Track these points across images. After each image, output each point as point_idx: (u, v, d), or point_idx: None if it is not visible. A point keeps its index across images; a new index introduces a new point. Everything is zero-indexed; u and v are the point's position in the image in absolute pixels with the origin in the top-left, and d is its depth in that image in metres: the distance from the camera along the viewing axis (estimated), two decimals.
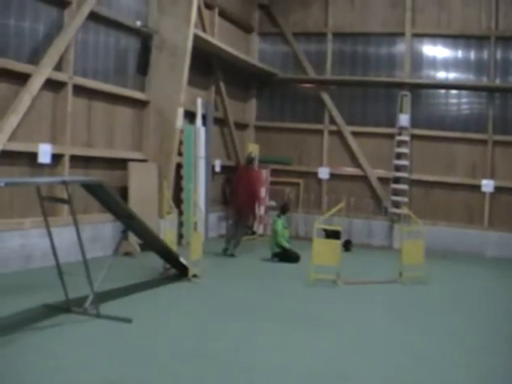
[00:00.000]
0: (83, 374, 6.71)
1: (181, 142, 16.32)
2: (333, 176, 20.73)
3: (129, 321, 8.77)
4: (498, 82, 19.74)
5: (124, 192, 14.40)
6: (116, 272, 10.82)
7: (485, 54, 19.78)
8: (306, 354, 8.14)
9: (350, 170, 20.61)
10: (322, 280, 12.77)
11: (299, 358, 7.90)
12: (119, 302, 10.05)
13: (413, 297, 12.40)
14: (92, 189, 9.68)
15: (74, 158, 13.18)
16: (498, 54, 19.65)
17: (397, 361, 8.05)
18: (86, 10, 13.06)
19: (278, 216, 15.93)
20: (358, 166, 20.62)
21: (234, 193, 16.45)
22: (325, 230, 15.09)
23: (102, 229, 13.79)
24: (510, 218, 19.22)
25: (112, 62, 14.77)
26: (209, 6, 18.50)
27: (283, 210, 16.21)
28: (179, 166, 16.51)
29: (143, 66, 15.71)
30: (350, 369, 7.62)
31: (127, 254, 14.06)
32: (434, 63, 20.43)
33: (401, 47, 20.52)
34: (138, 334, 8.39)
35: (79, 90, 13.41)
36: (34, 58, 12.22)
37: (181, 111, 15.73)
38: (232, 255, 15.71)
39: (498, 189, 19.42)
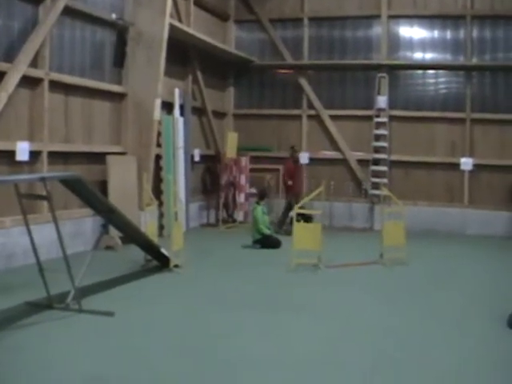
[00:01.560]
0: (67, 370, 6.75)
1: (159, 134, 16.36)
2: (312, 160, 20.80)
3: (111, 314, 8.82)
4: (474, 60, 19.87)
5: (104, 186, 14.41)
6: (97, 266, 10.81)
7: (461, 34, 19.92)
8: (291, 340, 8.20)
9: (330, 154, 20.70)
10: (304, 265, 12.85)
11: (284, 346, 7.96)
12: (101, 296, 10.07)
13: (394, 278, 12.51)
14: (71, 184, 9.71)
15: (53, 155, 13.16)
16: (474, 33, 19.79)
17: (381, 344, 8.14)
18: (60, 5, 12.98)
19: (257, 203, 16.04)
20: (338, 149, 20.74)
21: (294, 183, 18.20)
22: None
23: (82, 224, 13.79)
24: (489, 195, 19.43)
25: (88, 56, 14.72)
26: None
27: (261, 196, 16.34)
28: (158, 158, 16.56)
29: (120, 59, 15.70)
30: (334, 354, 7.70)
31: (108, 247, 14.06)
32: (410, 44, 20.54)
33: (377, 29, 20.62)
34: (121, 327, 8.44)
35: (56, 86, 13.38)
36: (10, 55, 12.16)
37: (158, 102, 15.71)
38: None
39: (477, 166, 19.60)
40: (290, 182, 18.40)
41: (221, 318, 9.16)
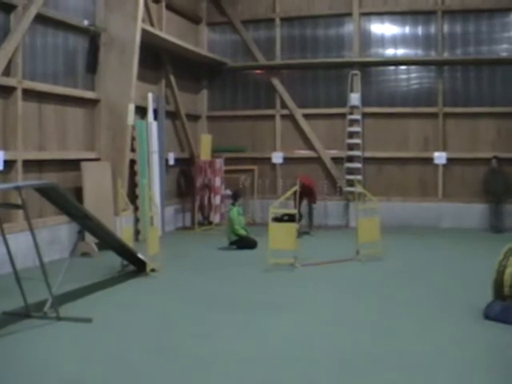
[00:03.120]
0: (46, 377, 6.79)
1: (133, 138, 16.42)
2: (286, 160, 20.96)
3: (89, 321, 8.85)
4: (446, 55, 20.13)
5: (79, 192, 14.41)
6: (74, 273, 10.95)
7: (432, 29, 20.16)
8: (267, 338, 8.29)
9: (304, 153, 20.83)
10: (280, 264, 12.96)
11: (260, 344, 8.05)
12: (79, 303, 10.07)
13: (370, 274, 12.66)
14: (46, 192, 9.70)
15: (27, 163, 13.14)
16: (445, 28, 20.05)
17: (358, 339, 8.26)
18: (32, 13, 12.98)
19: (232, 204, 16.08)
20: (312, 148, 20.88)
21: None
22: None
23: (58, 231, 13.79)
24: (463, 188, 19.72)
25: (61, 63, 14.71)
26: (156, 0, 18.56)
27: (235, 197, 16.33)
28: (133, 162, 16.62)
29: (92, 65, 15.69)
30: (310, 350, 7.78)
31: (85, 254, 14.05)
32: (382, 41, 20.74)
33: (349, 27, 20.80)
34: (99, 332, 8.48)
35: (29, 94, 13.35)
36: None
37: (132, 107, 15.74)
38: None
39: (450, 160, 19.86)
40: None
41: (198, 319, 9.24)
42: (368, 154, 20.41)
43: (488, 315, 9.05)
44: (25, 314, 9.08)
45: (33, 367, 7.11)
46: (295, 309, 9.90)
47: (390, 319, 9.26)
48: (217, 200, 20.00)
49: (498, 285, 9.09)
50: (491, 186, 18.96)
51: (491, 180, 19.01)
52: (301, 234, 16.81)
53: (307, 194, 17.60)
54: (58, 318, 8.91)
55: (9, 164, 12.73)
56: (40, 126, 13.91)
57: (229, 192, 19.36)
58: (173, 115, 19.99)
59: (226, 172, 20.70)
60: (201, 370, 7.06)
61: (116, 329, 8.70)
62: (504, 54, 19.76)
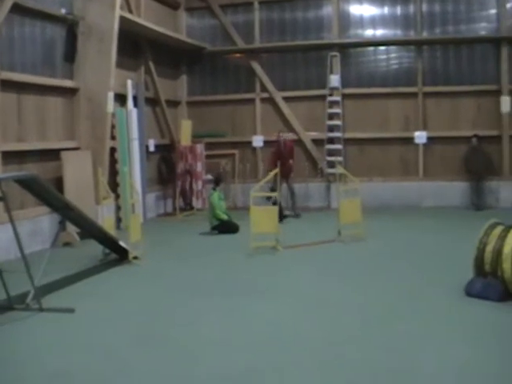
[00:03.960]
0: (31, 368, 6.81)
1: (113, 126, 16.39)
2: (267, 143, 20.88)
3: (72, 311, 8.88)
4: (425, 34, 20.18)
5: (59, 182, 14.35)
6: (56, 264, 10.98)
7: (411, 9, 20.24)
8: (252, 324, 8.34)
9: (284, 135, 20.81)
10: (263, 247, 13.02)
11: (245, 330, 8.10)
12: (61, 293, 10.06)
13: (353, 254, 12.77)
14: (26, 183, 9.72)
15: (7, 155, 13.04)
16: (424, 8, 20.11)
17: (343, 320, 8.36)
18: (9, 3, 12.82)
19: (214, 189, 16.05)
20: (292, 130, 20.85)
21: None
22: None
23: (39, 222, 13.72)
24: (443, 167, 19.85)
25: (39, 53, 14.58)
26: None
27: (217, 181, 16.32)
28: (113, 150, 16.60)
29: (71, 54, 15.57)
30: (296, 334, 7.85)
31: (67, 244, 14.00)
32: (361, 22, 20.75)
33: (328, 9, 20.78)
34: (83, 322, 8.50)
35: (7, 85, 13.21)
36: None
37: (111, 95, 15.70)
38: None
39: (431, 139, 19.97)
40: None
41: (182, 306, 9.29)
42: (348, 135, 20.47)
43: (470, 292, 9.19)
44: (7, 306, 9.07)
45: (16, 359, 7.12)
46: (279, 292, 9.96)
47: (373, 299, 9.37)
48: (198, 185, 19.98)
49: (479, 262, 9.18)
50: (472, 164, 19.09)
51: (472, 158, 19.13)
52: (286, 216, 16.93)
53: (288, 156, 17.83)
54: (41, 310, 8.92)
55: None
56: (19, 116, 13.79)
57: (210, 177, 19.34)
58: (152, 102, 19.95)
59: (207, 157, 20.69)
60: (185, 358, 7.12)
61: (99, 318, 8.71)
62: (483, 33, 19.85)
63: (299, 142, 20.79)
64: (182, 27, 21.66)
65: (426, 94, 20.17)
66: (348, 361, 6.88)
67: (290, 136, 19.24)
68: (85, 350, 7.42)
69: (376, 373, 6.52)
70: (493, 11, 19.67)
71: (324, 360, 6.95)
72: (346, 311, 8.82)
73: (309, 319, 8.50)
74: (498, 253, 8.95)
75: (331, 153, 20.33)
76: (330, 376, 6.49)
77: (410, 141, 20.08)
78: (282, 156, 17.82)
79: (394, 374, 6.47)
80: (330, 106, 20.44)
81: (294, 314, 8.77)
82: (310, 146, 20.77)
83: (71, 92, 15.62)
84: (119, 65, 16.45)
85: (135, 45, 18.82)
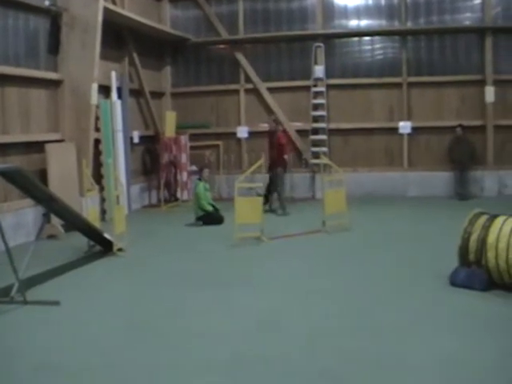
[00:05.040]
0: (16, 361, 6.79)
1: (97, 118, 16.31)
2: (251, 134, 20.98)
3: (57, 303, 8.86)
4: (409, 25, 20.23)
5: (43, 174, 14.27)
6: (41, 256, 10.94)
7: None
8: (237, 315, 8.37)
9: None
10: (248, 238, 13.05)
11: (230, 321, 8.13)
12: (46, 286, 10.04)
13: (337, 245, 12.81)
14: (10, 176, 9.67)
15: None
16: None
17: (328, 310, 8.41)
18: None
19: (199, 179, 16.02)
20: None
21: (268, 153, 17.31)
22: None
23: (23, 215, 13.63)
24: (428, 157, 19.95)
25: (23, 45, 14.44)
26: None
27: (201, 172, 16.28)
28: (98, 142, 16.50)
29: (55, 46, 15.46)
30: (280, 323, 7.93)
31: (51, 236, 13.91)
32: (345, 12, 20.77)
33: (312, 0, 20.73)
34: (68, 314, 8.49)
35: None
36: None
37: (95, 87, 15.64)
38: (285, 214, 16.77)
39: (415, 129, 20.05)
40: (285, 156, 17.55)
41: (166, 297, 9.29)
42: (333, 126, 20.51)
43: (454, 282, 9.26)
44: None
45: (1, 353, 7.11)
46: (263, 283, 10.00)
47: (358, 289, 9.44)
48: (183, 177, 19.96)
49: (464, 251, 9.24)
50: (456, 154, 19.20)
51: (456, 148, 19.25)
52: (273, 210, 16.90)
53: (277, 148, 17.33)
54: (26, 302, 8.89)
55: None
56: (2, 108, 13.67)
57: (194, 168, 19.34)
58: (137, 93, 19.90)
59: (192, 148, 20.67)
60: (171, 348, 7.15)
61: (84, 310, 8.71)
62: (467, 23, 19.95)
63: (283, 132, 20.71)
64: (165, 18, 21.58)
65: (411, 84, 20.25)
66: (333, 350, 6.92)
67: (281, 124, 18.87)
68: (70, 342, 7.41)
69: (361, 362, 6.55)
70: (477, 1, 19.78)
71: (309, 349, 6.99)
72: (331, 301, 8.87)
73: (294, 309, 8.54)
74: (482, 242, 9.01)
75: (316, 143, 20.37)
76: (316, 365, 6.51)
77: (394, 131, 20.16)
78: (271, 146, 17.66)
79: (379, 363, 6.51)
80: (315, 97, 20.45)
81: (279, 304, 8.79)
82: (294, 136, 20.75)
83: (55, 84, 15.52)
84: (103, 56, 16.35)
85: (119, 36, 18.73)
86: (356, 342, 7.15)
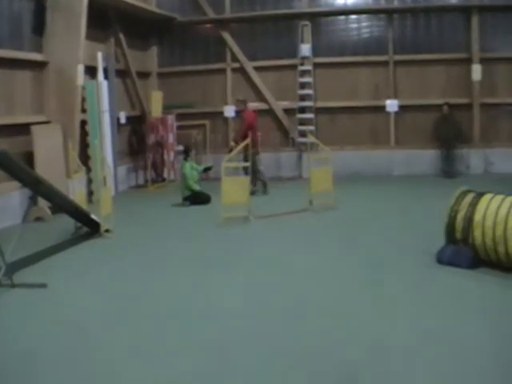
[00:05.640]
0: (1, 347, 6.80)
1: (83, 99, 16.22)
2: (238, 113, 20.52)
3: (44, 286, 8.86)
4: (396, 3, 20.24)
5: (30, 157, 14.20)
6: (28, 239, 10.89)
7: None
8: (226, 294, 8.45)
9: (255, 105, 20.54)
10: (235, 218, 13.08)
11: (220, 299, 8.21)
12: (33, 268, 10.02)
13: (324, 224, 12.89)
14: None
15: None
16: None
17: (313, 289, 8.51)
18: None
19: (185, 159, 16.01)
20: (263, 100, 20.92)
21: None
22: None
23: (9, 198, 13.55)
24: (415, 135, 19.97)
25: (7, 26, 14.32)
26: None
27: (187, 151, 16.28)
28: (84, 123, 16.42)
29: (39, 27, 15.35)
30: (268, 304, 7.95)
31: (38, 219, 13.92)
32: None
33: None
34: (55, 298, 8.49)
35: None
36: None
37: (81, 68, 15.55)
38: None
39: (402, 108, 20.11)
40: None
41: (154, 278, 9.34)
42: (320, 105, 20.51)
43: (440, 260, 9.35)
44: None
45: None
46: (251, 263, 10.06)
47: (345, 268, 9.50)
48: (170, 157, 19.93)
49: (450, 229, 9.30)
50: (442, 132, 19.26)
51: (442, 126, 19.31)
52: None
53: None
54: (13, 286, 8.88)
55: None
56: None
57: (181, 148, 19.35)
58: (123, 73, 19.81)
59: (178, 128, 20.60)
60: (156, 330, 7.19)
61: (71, 293, 8.71)
62: (453, 1, 20.00)
63: (270, 111, 20.89)
64: None
65: (397, 63, 20.26)
66: (318, 330, 6.98)
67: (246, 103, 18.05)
68: (56, 326, 7.41)
69: (346, 342, 6.62)
70: None
71: (294, 329, 7.04)
72: (317, 280, 8.94)
73: (281, 289, 8.60)
74: (469, 220, 9.06)
75: (302, 122, 20.36)
76: (301, 345, 6.58)
77: (380, 109, 20.20)
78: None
79: (365, 343, 6.57)
80: (301, 76, 20.44)
81: (266, 285, 8.83)
82: (281, 115, 20.81)
83: (40, 65, 15.41)
84: (89, 37, 16.20)
85: (105, 16, 18.57)
86: (341, 321, 7.21)
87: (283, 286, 8.75)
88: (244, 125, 16.86)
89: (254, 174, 16.23)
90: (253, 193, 15.66)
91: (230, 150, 15.49)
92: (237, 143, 15.95)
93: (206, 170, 16.48)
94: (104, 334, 7.11)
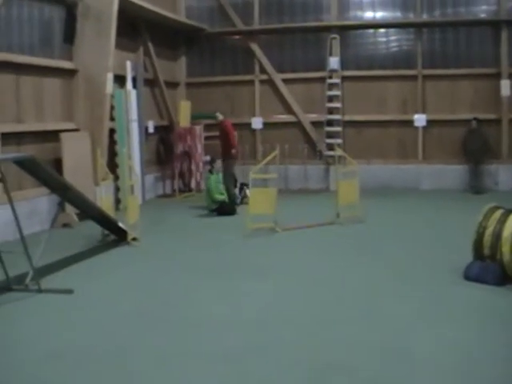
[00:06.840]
0: (29, 349, 6.82)
1: (112, 107, 16.35)
2: (266, 125, 20.97)
3: (70, 292, 8.90)
4: (424, 17, 20.15)
5: (58, 163, 14.31)
6: (55, 245, 10.96)
7: None
8: (251, 303, 8.43)
9: (283, 117, 20.75)
10: (261, 229, 13.06)
11: (245, 308, 8.20)
12: (60, 274, 10.08)
13: (351, 236, 12.81)
14: (25, 165, 9.70)
15: (5, 136, 12.95)
16: None
17: (339, 300, 8.45)
18: None
19: (210, 172, 16.06)
20: (291, 112, 20.90)
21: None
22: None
23: (38, 203, 13.67)
24: (442, 150, 19.87)
25: (38, 35, 14.49)
26: None
27: (211, 163, 16.31)
28: (112, 132, 16.56)
29: (70, 35, 15.47)
30: (292, 314, 7.93)
31: (65, 225, 14.01)
32: (360, 3, 20.68)
33: None
34: (81, 303, 8.52)
35: (6, 66, 13.16)
36: None
37: (110, 76, 15.67)
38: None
39: (429, 122, 19.98)
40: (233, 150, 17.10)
41: (180, 286, 9.35)
42: (348, 118, 20.46)
43: (468, 276, 9.22)
44: (6, 287, 9.09)
45: (15, 340, 7.13)
46: (276, 273, 10.03)
47: (372, 281, 9.43)
48: (198, 167, 19.96)
49: (478, 246, 9.22)
50: (470, 147, 19.11)
51: (470, 141, 19.16)
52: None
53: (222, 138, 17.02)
54: (40, 291, 8.94)
55: None
56: (17, 98, 13.71)
57: (208, 158, 19.35)
58: (151, 83, 19.89)
59: (206, 138, 20.57)
60: (181, 337, 7.16)
61: (97, 299, 8.74)
62: (482, 15, 19.82)
63: (298, 124, 20.88)
64: (180, 8, 21.54)
65: (425, 77, 20.16)
66: (343, 340, 6.93)
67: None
68: (82, 330, 7.45)
69: (371, 353, 6.56)
70: None
71: (320, 339, 7.00)
72: (344, 292, 8.88)
73: (305, 299, 8.56)
74: (497, 236, 8.97)
75: (330, 135, 20.32)
76: (324, 355, 6.52)
77: (408, 123, 20.09)
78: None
79: (389, 354, 6.51)
80: (330, 88, 20.41)
81: (290, 295, 8.82)
82: (308, 128, 20.77)
83: (70, 73, 15.55)
84: (118, 46, 16.34)
85: (134, 26, 18.72)
86: (367, 332, 7.17)
87: (309, 296, 8.72)
88: (229, 133, 17.02)
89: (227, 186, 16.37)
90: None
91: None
92: (236, 152, 16.61)
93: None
94: (130, 340, 7.09)
